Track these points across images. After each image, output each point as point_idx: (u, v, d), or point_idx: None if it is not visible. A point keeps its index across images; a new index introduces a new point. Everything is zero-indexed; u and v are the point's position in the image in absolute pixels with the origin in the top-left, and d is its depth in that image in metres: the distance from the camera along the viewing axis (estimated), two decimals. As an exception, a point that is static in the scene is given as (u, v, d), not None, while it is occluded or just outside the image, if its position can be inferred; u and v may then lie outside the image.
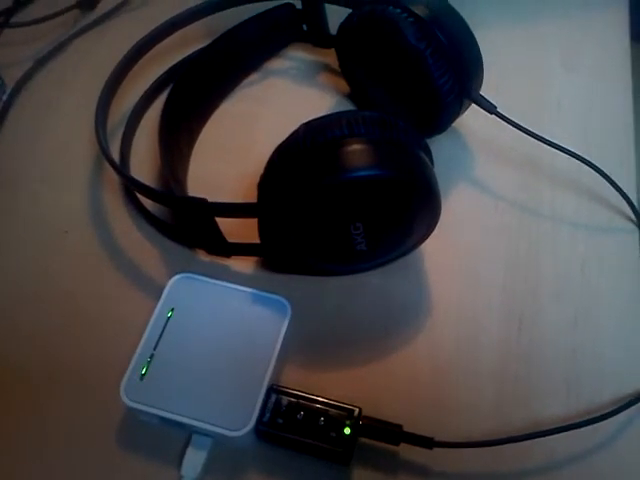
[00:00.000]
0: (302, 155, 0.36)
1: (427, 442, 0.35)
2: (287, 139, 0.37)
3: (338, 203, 0.36)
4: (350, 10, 0.47)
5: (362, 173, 0.35)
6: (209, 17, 0.52)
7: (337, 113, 0.37)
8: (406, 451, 0.36)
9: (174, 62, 0.53)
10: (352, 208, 0.36)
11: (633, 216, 0.45)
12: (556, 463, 0.36)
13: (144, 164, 0.49)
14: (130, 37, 0.50)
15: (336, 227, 0.37)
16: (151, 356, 0.37)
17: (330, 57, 0.53)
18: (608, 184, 0.46)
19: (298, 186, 0.36)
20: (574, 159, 0.45)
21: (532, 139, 0.45)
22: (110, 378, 0.38)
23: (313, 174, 0.35)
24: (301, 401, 0.36)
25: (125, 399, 0.36)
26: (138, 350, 0.37)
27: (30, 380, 0.39)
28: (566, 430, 0.35)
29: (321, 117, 0.37)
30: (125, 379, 0.36)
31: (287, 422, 0.35)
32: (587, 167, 0.46)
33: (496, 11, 0.58)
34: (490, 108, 0.45)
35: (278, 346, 0.38)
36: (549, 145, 0.45)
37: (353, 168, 0.35)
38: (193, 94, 0.50)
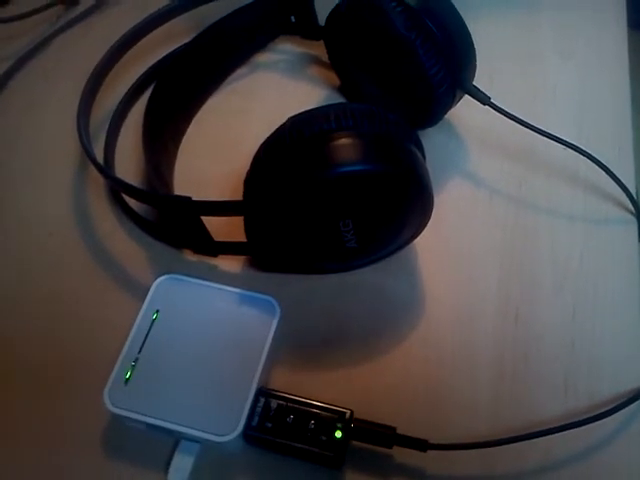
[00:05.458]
0: (288, 150, 0.35)
1: (421, 444, 0.34)
2: (273, 134, 0.36)
3: (326, 199, 0.35)
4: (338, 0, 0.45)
5: (350, 168, 0.34)
6: (194, 10, 0.51)
7: (324, 106, 0.36)
8: (400, 454, 0.35)
9: (159, 57, 0.52)
10: (340, 204, 0.35)
11: (631, 206, 0.44)
12: (554, 463, 0.35)
13: (129, 162, 0.48)
14: (115, 32, 0.48)
15: (324, 224, 0.36)
16: (136, 360, 0.36)
17: (319, 49, 0.52)
18: (605, 174, 0.44)
19: (284, 182, 0.34)
20: (570, 149, 0.44)
21: (527, 130, 0.44)
22: (95, 382, 0.37)
23: (299, 169, 0.34)
24: (290, 404, 0.35)
25: (109, 405, 0.35)
26: (122, 354, 0.36)
27: (13, 384, 0.38)
28: (564, 430, 0.34)
29: (308, 110, 0.36)
30: (109, 384, 0.35)
31: (276, 426, 0.34)
32: (584, 157, 0.44)
33: (489, -1, 0.57)
34: (484, 99, 0.44)
35: (267, 348, 0.37)
36: (544, 136, 0.44)
37: (341, 163, 0.34)
38: (178, 90, 0.49)
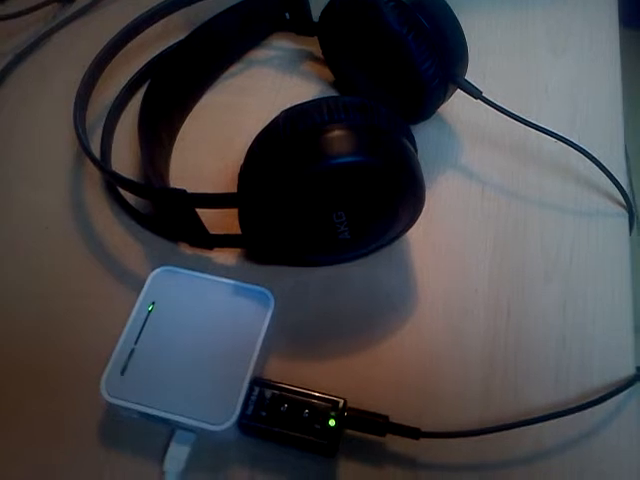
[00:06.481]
0: (282, 143, 0.35)
1: (414, 433, 0.34)
2: (267, 127, 0.36)
3: (319, 191, 0.35)
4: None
5: (343, 160, 0.34)
6: (190, 7, 0.51)
7: (317, 99, 0.36)
8: (392, 442, 0.35)
9: (155, 54, 0.52)
10: (333, 197, 0.35)
11: (622, 200, 0.44)
12: (544, 451, 0.35)
13: (126, 157, 0.48)
14: (110, 30, 0.49)
15: (317, 216, 0.36)
16: (132, 351, 0.37)
17: (314, 45, 0.53)
18: (597, 168, 0.45)
19: (278, 175, 0.35)
20: (562, 143, 0.45)
21: (519, 124, 0.44)
22: (91, 373, 0.37)
23: (292, 162, 0.35)
24: (285, 393, 0.35)
25: (105, 395, 0.35)
26: (118, 345, 0.37)
27: (10, 377, 0.39)
28: (554, 418, 0.35)
29: (301, 104, 0.36)
30: (105, 375, 0.36)
31: (271, 415, 0.35)
32: (575, 151, 0.45)
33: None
34: (475, 93, 0.44)
35: (261, 338, 0.37)
36: (536, 129, 0.44)
37: (333, 155, 0.34)
38: (174, 86, 0.49)
